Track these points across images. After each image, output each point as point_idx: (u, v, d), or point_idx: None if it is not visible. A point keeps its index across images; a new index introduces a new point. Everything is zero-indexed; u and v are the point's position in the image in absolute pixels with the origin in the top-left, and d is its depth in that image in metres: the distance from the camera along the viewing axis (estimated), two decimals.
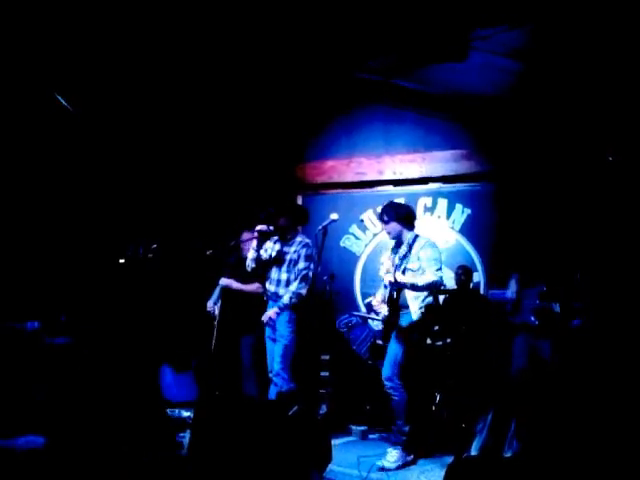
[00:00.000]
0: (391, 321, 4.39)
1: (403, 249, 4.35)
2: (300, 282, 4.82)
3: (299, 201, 7.13)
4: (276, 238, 5.00)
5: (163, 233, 6.26)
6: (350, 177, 6.90)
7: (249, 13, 4.76)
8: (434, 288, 4.31)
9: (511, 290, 5.14)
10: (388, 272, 4.33)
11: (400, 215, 4.45)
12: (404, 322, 4.35)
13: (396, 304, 4.36)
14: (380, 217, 4.59)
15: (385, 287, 4.46)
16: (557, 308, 4.75)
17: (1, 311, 5.07)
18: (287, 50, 5.45)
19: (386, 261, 4.57)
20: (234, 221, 6.04)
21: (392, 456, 4.24)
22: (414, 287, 4.25)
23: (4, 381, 4.62)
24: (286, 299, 4.80)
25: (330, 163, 7.02)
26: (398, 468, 4.20)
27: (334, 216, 4.56)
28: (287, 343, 4.80)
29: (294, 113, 6.87)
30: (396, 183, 6.75)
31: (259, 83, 6.13)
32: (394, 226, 4.46)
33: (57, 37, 4.99)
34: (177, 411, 5.30)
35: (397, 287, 4.31)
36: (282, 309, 4.83)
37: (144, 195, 6.42)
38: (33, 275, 5.57)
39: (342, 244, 6.89)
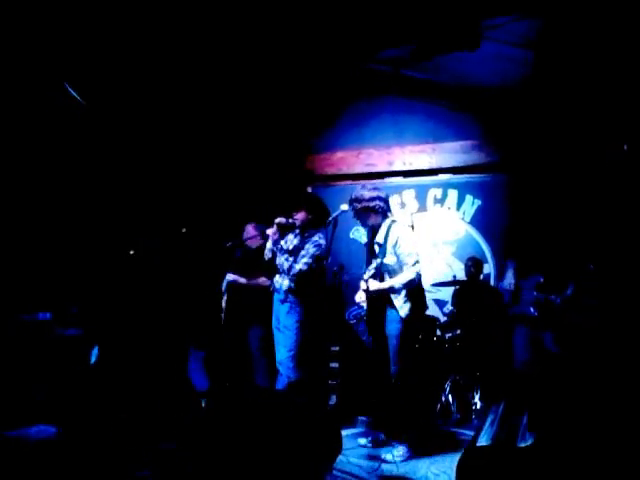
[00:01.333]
0: (375, 318, 4.34)
1: (378, 240, 4.30)
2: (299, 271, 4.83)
3: None
4: (297, 231, 5.00)
5: (172, 225, 6.26)
6: (360, 168, 6.88)
7: (261, 4, 4.74)
8: (411, 286, 4.20)
9: (507, 281, 5.10)
10: (363, 279, 4.26)
11: (367, 207, 4.32)
12: (392, 320, 4.26)
13: (377, 301, 4.29)
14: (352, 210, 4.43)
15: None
16: (557, 301, 4.71)
17: (12, 302, 5.10)
18: (298, 42, 5.43)
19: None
20: (243, 213, 6.03)
21: (398, 451, 4.22)
22: (392, 290, 4.20)
23: (14, 372, 4.65)
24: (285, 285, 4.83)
25: (340, 154, 7.00)
26: (403, 462, 4.16)
27: (344, 207, 4.54)
28: (291, 333, 4.81)
29: (304, 105, 6.84)
30: (406, 174, 6.73)
31: (269, 75, 6.11)
32: (362, 215, 4.36)
33: (68, 30, 4.99)
34: None
35: (373, 293, 4.26)
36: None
37: (155, 187, 6.43)
38: (44, 266, 5.59)
39: (352, 235, 6.88)
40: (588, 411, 2.83)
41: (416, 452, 4.24)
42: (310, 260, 4.81)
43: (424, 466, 4.09)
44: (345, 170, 6.96)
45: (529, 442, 2.49)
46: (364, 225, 4.49)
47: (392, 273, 4.26)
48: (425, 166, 6.57)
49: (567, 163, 5.64)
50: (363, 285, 4.27)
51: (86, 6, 4.74)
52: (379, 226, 4.37)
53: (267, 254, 5.01)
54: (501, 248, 6.20)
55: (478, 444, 2.72)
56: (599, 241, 5.18)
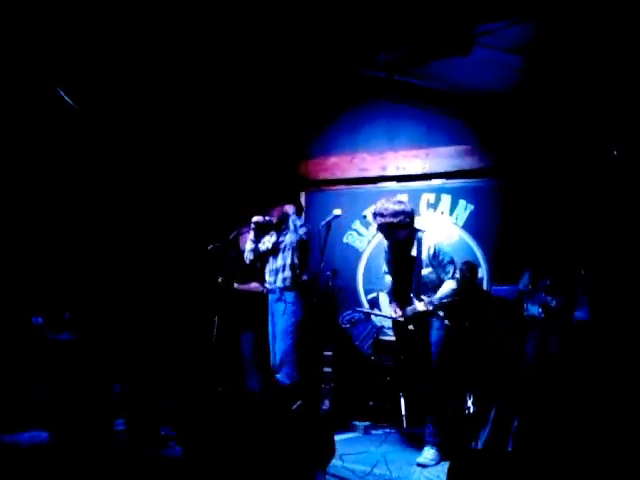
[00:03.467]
0: (416, 329, 4.28)
1: (412, 253, 4.22)
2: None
3: (302, 197, 7.12)
4: (273, 232, 5.05)
5: (165, 229, 6.26)
6: (353, 173, 6.89)
7: (254, 8, 4.76)
8: (456, 293, 4.22)
9: (523, 283, 5.12)
10: (407, 289, 4.20)
11: (392, 224, 4.20)
12: (437, 329, 4.26)
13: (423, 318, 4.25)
14: (376, 220, 4.28)
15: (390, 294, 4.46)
16: (553, 302, 4.74)
17: (5, 306, 5.08)
18: (291, 47, 5.44)
19: (397, 265, 4.37)
20: (237, 217, 6.03)
21: (430, 454, 4.21)
22: (441, 307, 4.18)
23: (7, 376, 4.63)
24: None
25: (333, 159, 7.01)
26: (436, 464, 4.15)
27: (337, 212, 4.57)
28: (288, 338, 4.81)
29: (297, 109, 6.86)
30: (399, 179, 6.73)
31: (263, 79, 6.13)
32: (388, 231, 4.25)
33: (61, 33, 4.99)
34: None
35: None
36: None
37: (148, 191, 6.42)
38: (38, 271, 5.58)
39: (345, 240, 6.88)
40: (579, 414, 2.84)
41: (442, 459, 4.18)
42: (304, 232, 4.90)
43: (417, 470, 4.10)
44: (339, 175, 6.97)
45: (520, 445, 2.50)
46: (388, 239, 4.37)
47: (430, 285, 4.23)
48: (418, 171, 6.58)
49: (559, 168, 5.66)
50: (421, 306, 4.13)
51: (80, 8, 4.74)
52: (406, 239, 4.27)
53: (248, 256, 5.03)
54: (494, 253, 6.22)
55: (470, 448, 2.73)
56: (592, 244, 5.21)
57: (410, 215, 4.26)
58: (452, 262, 4.26)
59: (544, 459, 2.34)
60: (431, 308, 4.14)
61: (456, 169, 6.41)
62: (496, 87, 5.71)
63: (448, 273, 4.20)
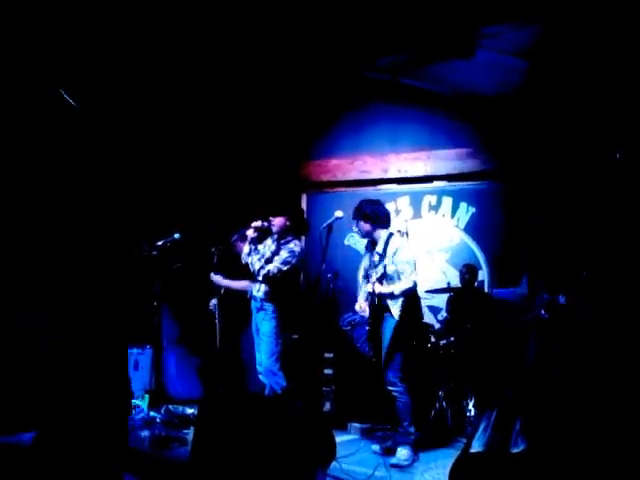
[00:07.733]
0: (375, 325, 4.54)
1: (378, 250, 4.50)
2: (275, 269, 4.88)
3: (303, 199, 7.13)
4: (275, 237, 5.02)
5: (166, 230, 6.25)
6: (354, 175, 6.89)
7: (257, 9, 4.76)
8: (408, 294, 4.43)
9: (523, 287, 5.16)
10: (368, 281, 4.52)
11: (366, 216, 4.55)
12: (389, 326, 4.43)
13: (378, 309, 4.50)
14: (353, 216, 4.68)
15: (366, 293, 4.63)
16: (562, 300, 4.76)
17: (3, 306, 5.07)
18: (294, 49, 5.45)
19: (365, 262, 4.74)
20: (238, 219, 6.03)
21: (403, 454, 4.28)
22: (392, 296, 4.40)
23: (7, 377, 4.63)
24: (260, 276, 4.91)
25: (334, 161, 7.01)
26: (409, 465, 4.22)
27: (339, 213, 4.58)
28: (270, 340, 4.83)
29: (299, 112, 6.86)
30: (400, 181, 6.73)
31: (265, 81, 6.13)
32: (362, 225, 4.61)
33: (62, 33, 5.00)
34: (181, 408, 5.31)
35: (377, 296, 4.45)
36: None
37: (146, 194, 6.41)
38: (34, 270, 5.56)
39: (346, 242, 6.88)
40: (583, 416, 2.83)
41: (415, 458, 4.30)
42: (281, 265, 4.84)
43: (417, 473, 4.10)
44: (340, 177, 6.97)
45: (522, 448, 2.50)
46: (360, 234, 4.73)
47: (390, 281, 4.44)
48: (420, 173, 6.58)
49: (562, 171, 5.66)
50: (369, 287, 4.45)
51: (81, 8, 4.74)
52: (377, 237, 4.58)
53: (244, 258, 5.05)
54: (495, 255, 6.22)
55: (471, 451, 2.72)
56: (594, 247, 5.20)
57: (384, 214, 4.64)
58: (411, 263, 4.46)
59: (546, 460, 2.34)
60: (382, 291, 4.40)
61: (458, 172, 6.41)
62: (499, 90, 5.72)
63: (405, 272, 4.41)
